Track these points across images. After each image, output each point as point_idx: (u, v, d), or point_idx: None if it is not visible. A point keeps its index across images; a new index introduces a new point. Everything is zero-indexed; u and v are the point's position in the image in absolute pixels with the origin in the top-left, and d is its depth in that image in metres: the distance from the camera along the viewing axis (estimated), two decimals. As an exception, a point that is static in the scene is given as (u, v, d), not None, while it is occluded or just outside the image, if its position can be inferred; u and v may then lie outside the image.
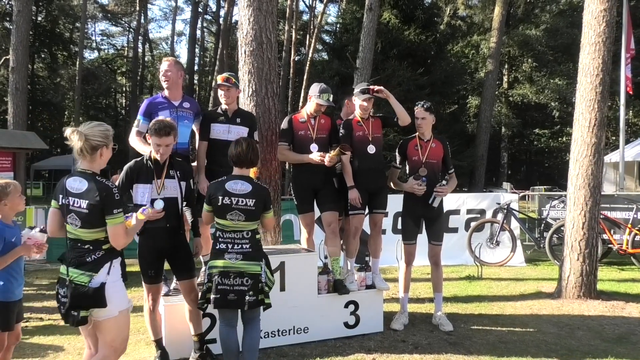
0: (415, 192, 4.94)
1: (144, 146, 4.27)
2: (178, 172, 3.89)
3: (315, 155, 4.69)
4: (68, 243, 3.04)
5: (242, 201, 3.57)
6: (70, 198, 2.95)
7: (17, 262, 3.51)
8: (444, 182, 4.94)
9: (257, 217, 3.66)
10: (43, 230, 3.51)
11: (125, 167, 3.83)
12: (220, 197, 3.57)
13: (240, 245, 3.55)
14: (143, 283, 3.96)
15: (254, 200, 3.60)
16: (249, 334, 3.61)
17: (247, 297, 3.47)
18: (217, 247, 3.60)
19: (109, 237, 2.98)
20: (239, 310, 3.62)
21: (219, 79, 4.68)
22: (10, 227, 3.52)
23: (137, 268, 3.91)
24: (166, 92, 4.58)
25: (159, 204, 3.60)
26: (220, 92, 4.66)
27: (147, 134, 4.01)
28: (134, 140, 4.47)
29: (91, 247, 2.96)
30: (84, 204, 2.93)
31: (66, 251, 3.03)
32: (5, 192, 3.47)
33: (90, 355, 3.15)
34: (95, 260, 2.95)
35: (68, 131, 2.95)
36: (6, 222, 3.51)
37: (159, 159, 3.80)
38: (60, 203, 3.00)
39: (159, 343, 4.06)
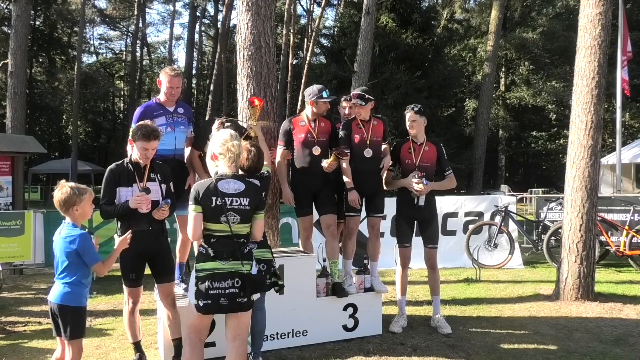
0: (412, 188, 4.93)
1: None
2: (159, 175, 3.90)
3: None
4: (216, 240, 3.29)
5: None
6: (227, 198, 3.28)
7: (88, 267, 3.36)
8: (424, 180, 4.88)
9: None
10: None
11: (108, 170, 3.82)
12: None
13: None
14: (124, 286, 3.94)
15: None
16: (257, 319, 3.84)
17: (265, 281, 3.74)
18: None
19: (254, 230, 3.42)
20: None
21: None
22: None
23: (119, 273, 3.91)
24: (162, 98, 4.48)
25: (167, 202, 3.83)
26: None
27: (129, 139, 3.92)
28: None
29: (245, 240, 3.37)
30: (245, 201, 3.32)
31: (205, 249, 3.28)
32: (80, 198, 3.29)
33: (199, 349, 3.43)
34: (249, 251, 3.38)
35: (228, 145, 3.33)
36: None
37: (142, 163, 3.81)
38: (213, 205, 3.25)
39: (137, 346, 4.06)
